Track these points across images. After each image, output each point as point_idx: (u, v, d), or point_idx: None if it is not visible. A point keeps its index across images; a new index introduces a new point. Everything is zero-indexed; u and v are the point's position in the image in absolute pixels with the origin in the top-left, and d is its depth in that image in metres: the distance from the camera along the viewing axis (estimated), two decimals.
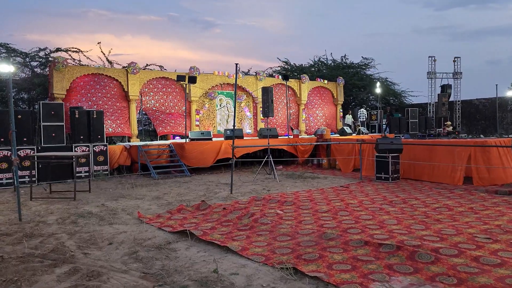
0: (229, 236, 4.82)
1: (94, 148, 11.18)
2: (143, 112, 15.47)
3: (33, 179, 10.07)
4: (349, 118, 18.90)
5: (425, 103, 22.64)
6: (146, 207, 6.93)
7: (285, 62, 23.02)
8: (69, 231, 5.32)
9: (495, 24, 54.96)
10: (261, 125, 17.89)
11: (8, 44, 14.07)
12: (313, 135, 16.00)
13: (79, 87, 13.62)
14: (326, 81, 20.08)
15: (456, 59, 21.38)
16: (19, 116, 10.09)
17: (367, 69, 24.37)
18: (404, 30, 58.13)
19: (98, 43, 16.75)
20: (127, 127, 14.38)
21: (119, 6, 51.36)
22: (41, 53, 14.94)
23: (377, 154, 9.34)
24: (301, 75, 19.20)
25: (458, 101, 21.72)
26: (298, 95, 19.16)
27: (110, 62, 17.32)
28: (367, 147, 10.51)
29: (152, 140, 15.83)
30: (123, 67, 15.12)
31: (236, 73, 8.52)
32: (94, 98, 13.84)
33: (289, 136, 14.66)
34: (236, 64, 8.17)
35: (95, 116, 11.29)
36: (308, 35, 56.70)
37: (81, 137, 11.06)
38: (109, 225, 5.69)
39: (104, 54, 17.14)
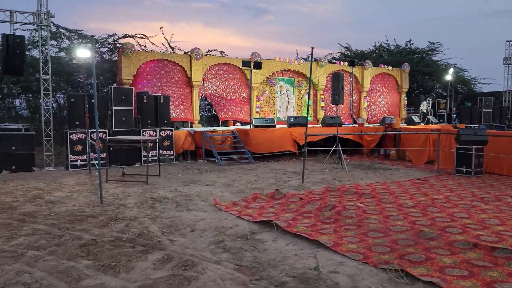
0: (315, 229, 4.58)
1: (160, 133, 11.35)
2: (204, 98, 15.55)
3: (105, 161, 10.40)
4: (424, 104, 17.66)
5: (498, 91, 20.98)
6: (219, 194, 6.85)
7: (346, 47, 22.21)
8: (150, 216, 5.33)
9: None
10: (320, 113, 17.45)
11: (80, 30, 14.65)
12: (378, 124, 15.33)
13: (145, 72, 13.89)
14: (390, 68, 19.14)
15: None
16: (93, 101, 10.40)
17: (433, 55, 22.98)
18: (468, 13, 53.88)
19: (160, 28, 17.07)
20: (190, 112, 14.52)
21: None
22: (110, 39, 15.40)
23: (457, 145, 8.67)
24: (364, 61, 18.42)
25: None
26: (360, 82, 18.45)
27: (172, 48, 17.55)
28: (443, 138, 9.81)
29: (212, 126, 15.94)
30: (185, 52, 15.24)
31: (312, 58, 8.18)
32: (159, 84, 14.07)
33: (354, 125, 14.12)
34: (312, 48, 7.83)
35: (162, 101, 11.43)
36: (363, 20, 54.21)
37: (149, 121, 11.25)
38: (187, 211, 5.64)
39: (166, 40, 17.38)
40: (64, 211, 5.57)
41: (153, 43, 16.10)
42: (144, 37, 15.71)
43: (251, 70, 12.65)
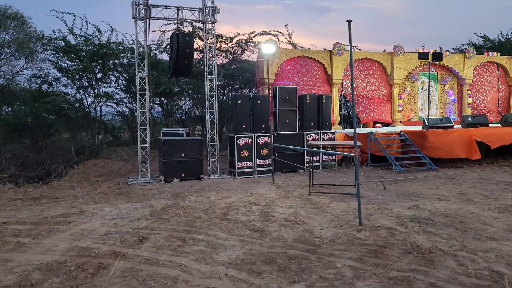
0: None
1: (323, 136, 10.23)
2: (343, 97, 14.30)
3: (269, 168, 9.48)
4: None
5: None
6: (485, 214, 5.43)
7: (483, 37, 19.74)
8: (447, 244, 4.08)
9: None
10: (467, 110, 15.39)
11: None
12: None
13: (286, 70, 12.95)
14: None
15: None
16: (259, 102, 9.54)
17: None
18: None
19: (286, 25, 16.09)
20: (331, 113, 13.30)
21: None
22: (239, 38, 14.74)
23: None
24: None
25: None
26: (511, 75, 16.08)
27: (293, 45, 16.49)
28: None
29: (351, 128, 14.64)
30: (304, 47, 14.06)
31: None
32: (301, 83, 13.05)
33: None
34: None
35: (324, 101, 10.30)
36: (432, 14, 49.99)
37: (311, 124, 10.17)
38: (492, 240, 4.31)
39: (290, 36, 16.35)
40: (333, 235, 4.49)
41: (290, 42, 15.20)
42: (279, 33, 14.81)
43: (428, 63, 10.94)
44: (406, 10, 50.34)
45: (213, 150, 9.60)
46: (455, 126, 10.46)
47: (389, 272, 3.47)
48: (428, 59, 10.74)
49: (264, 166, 9.55)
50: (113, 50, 12.95)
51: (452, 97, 15.44)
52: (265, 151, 9.54)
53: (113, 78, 13.87)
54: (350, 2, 53.00)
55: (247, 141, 9.37)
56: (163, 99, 14.72)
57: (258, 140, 9.46)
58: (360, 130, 11.32)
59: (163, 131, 9.97)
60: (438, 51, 15.09)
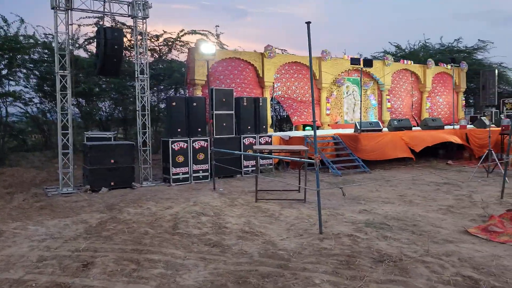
0: None
1: (260, 140, 10.03)
2: (275, 101, 14.26)
3: (206, 174, 9.06)
4: None
5: None
6: (433, 216, 5.58)
7: (396, 46, 21.21)
8: (410, 249, 4.05)
9: None
10: (386, 114, 16.35)
11: None
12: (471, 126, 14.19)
13: (218, 72, 12.53)
14: (449, 66, 18.18)
15: None
16: (194, 104, 9.04)
17: (477, 54, 22.15)
18: (442, 15, 52.27)
19: (216, 26, 15.70)
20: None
21: None
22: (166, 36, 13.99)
23: None
24: (428, 60, 17.42)
25: None
26: (422, 82, 17.43)
27: (221, 46, 16.19)
28: None
29: (283, 131, 14.69)
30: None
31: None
32: (233, 84, 12.71)
33: (453, 127, 12.90)
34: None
35: (261, 104, 10.10)
36: (345, 22, 53.60)
37: (248, 127, 9.90)
38: (450, 243, 4.38)
39: (217, 37, 16.00)
40: (298, 246, 4.22)
41: (220, 43, 14.77)
42: (208, 33, 14.33)
43: (361, 69, 11.30)
44: (319, 17, 52.58)
45: (145, 155, 8.88)
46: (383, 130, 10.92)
47: (368, 285, 3.28)
48: (360, 64, 11.12)
49: (201, 171, 9.08)
50: (22, 44, 11.49)
51: (373, 102, 16.28)
52: (201, 156, 9.07)
53: (21, 75, 12.30)
54: (265, 7, 54.08)
55: (182, 146, 8.81)
56: (80, 99, 13.43)
57: (194, 144, 8.96)
58: (295, 133, 11.32)
59: (87, 135, 9.00)
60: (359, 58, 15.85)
